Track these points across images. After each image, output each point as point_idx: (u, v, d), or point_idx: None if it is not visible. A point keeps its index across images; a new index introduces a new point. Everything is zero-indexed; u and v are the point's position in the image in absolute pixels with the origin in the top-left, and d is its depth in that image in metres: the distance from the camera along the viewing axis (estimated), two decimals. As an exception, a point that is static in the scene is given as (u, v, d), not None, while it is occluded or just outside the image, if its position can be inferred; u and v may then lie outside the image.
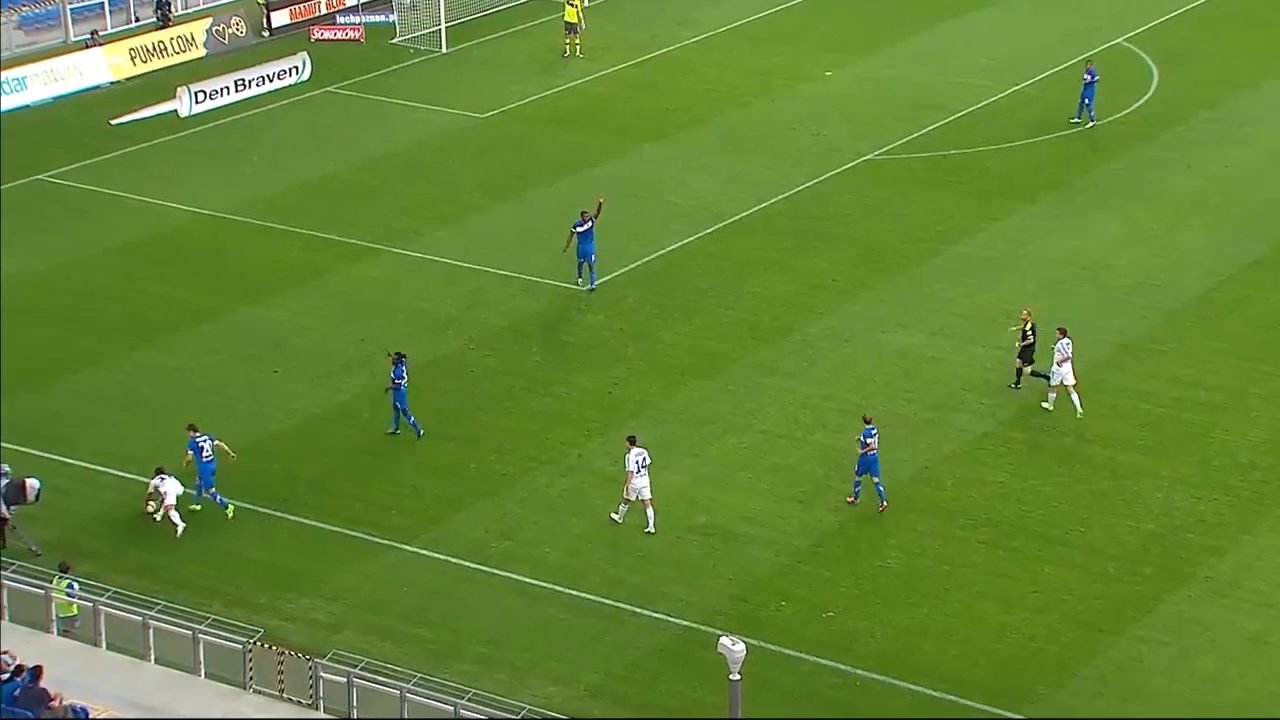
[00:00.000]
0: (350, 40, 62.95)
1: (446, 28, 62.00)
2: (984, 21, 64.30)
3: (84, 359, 41.76)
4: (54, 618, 31.03)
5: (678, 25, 63.86)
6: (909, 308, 43.81)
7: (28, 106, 57.15)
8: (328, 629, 32.39)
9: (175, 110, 56.08)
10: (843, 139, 54.03)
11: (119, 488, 36.20)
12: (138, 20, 63.43)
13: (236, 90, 57.26)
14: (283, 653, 29.67)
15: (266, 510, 35.89)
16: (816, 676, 31.41)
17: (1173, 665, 31.69)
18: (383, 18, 63.78)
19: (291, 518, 35.72)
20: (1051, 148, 53.40)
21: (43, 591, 31.02)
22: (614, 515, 35.40)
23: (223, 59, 60.74)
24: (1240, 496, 36.40)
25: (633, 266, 46.06)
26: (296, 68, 59.03)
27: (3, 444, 37.05)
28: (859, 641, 32.21)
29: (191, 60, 60.84)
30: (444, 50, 61.66)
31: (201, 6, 64.52)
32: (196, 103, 56.31)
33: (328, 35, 63.00)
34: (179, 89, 56.49)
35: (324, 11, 64.65)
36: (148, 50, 60.43)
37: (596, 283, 44.74)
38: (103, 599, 30.66)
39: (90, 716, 27.63)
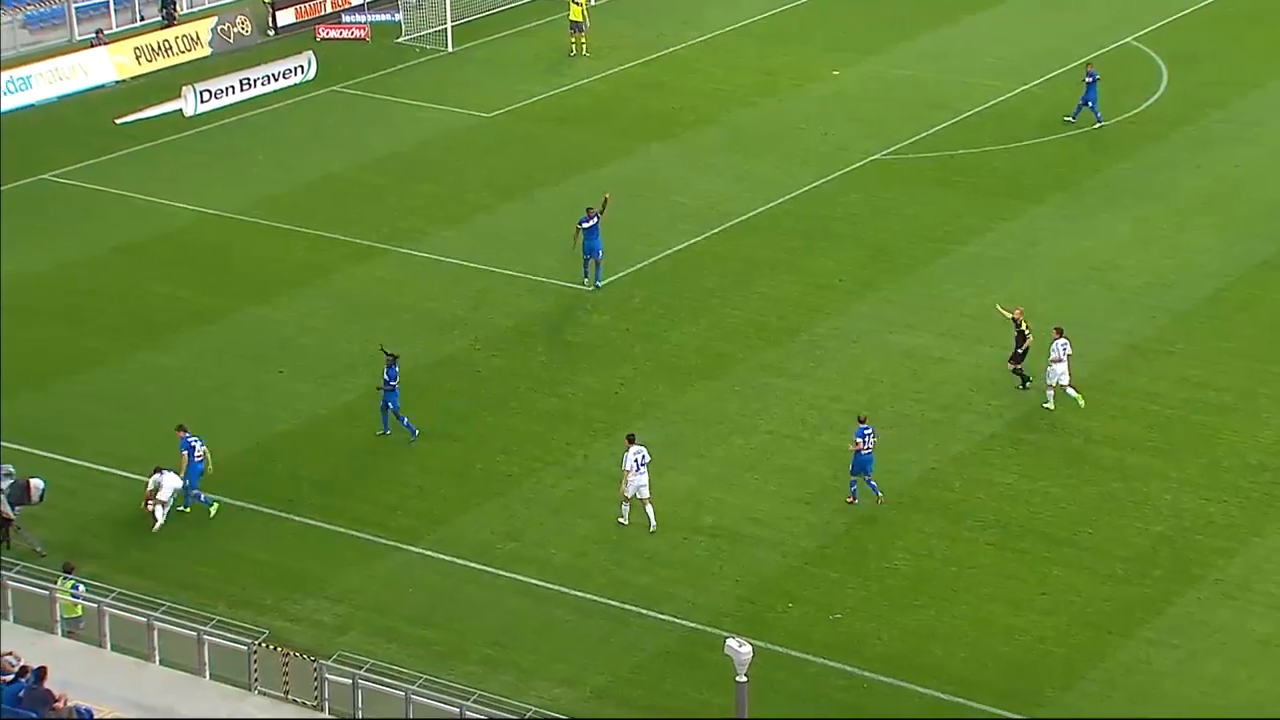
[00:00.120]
0: (356, 39, 62.88)
1: (452, 27, 61.91)
2: (992, 21, 64.16)
3: (88, 359, 41.69)
4: (58, 619, 31.01)
5: (684, 24, 63.75)
6: (917, 308, 43.69)
7: (32, 105, 57.08)
8: (333, 630, 32.32)
9: (180, 109, 55.98)
10: (850, 139, 53.91)
11: (123, 488, 36.12)
12: (143, 19, 63.39)
13: (242, 89, 57.16)
14: (288, 654, 29.62)
15: (271, 511, 35.81)
16: (823, 678, 31.33)
17: (1182, 668, 31.59)
18: (388, 17, 63.71)
19: (296, 518, 35.64)
20: (1060, 148, 53.26)
21: (47, 592, 30.99)
22: (620, 519, 35.26)
23: (228, 58, 60.67)
24: (1250, 498, 36.27)
25: (639, 267, 45.96)
26: (302, 67, 58.94)
27: (8, 444, 37.03)
28: (866, 643, 32.11)
29: (196, 59, 60.76)
30: (449, 49, 61.59)
31: (206, 5, 64.43)
32: (202, 102, 56.22)
33: (333, 34, 62.93)
34: (184, 88, 56.40)
35: (329, 10, 64.57)
36: (153, 49, 60.35)
37: (603, 281, 44.63)
38: (107, 600, 30.63)
39: (94, 718, 27.57)
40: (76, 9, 61.98)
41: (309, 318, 43.68)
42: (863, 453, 35.43)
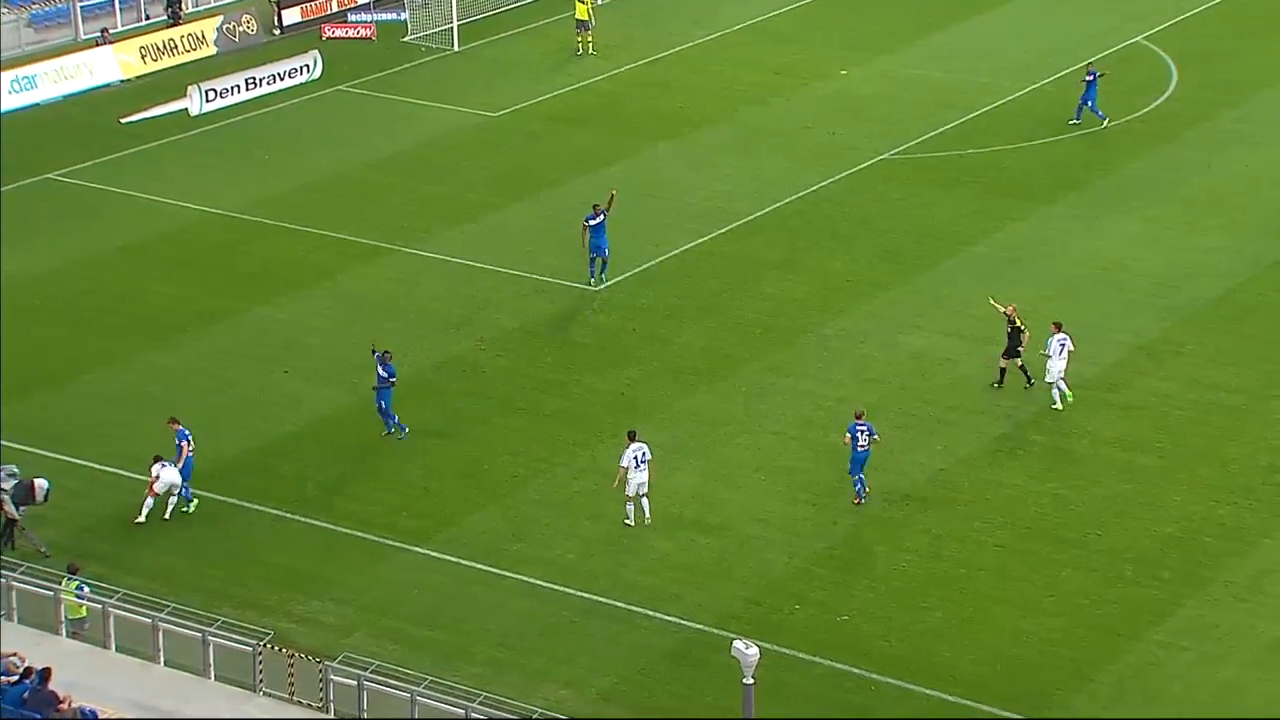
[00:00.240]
0: (361, 38, 62.80)
1: (458, 25, 61.82)
2: (1001, 20, 64.00)
3: (92, 359, 41.62)
4: (63, 619, 31.00)
5: (691, 23, 63.62)
6: (925, 309, 43.54)
7: (37, 105, 57.01)
8: (338, 631, 32.24)
9: (186, 109, 55.91)
10: (858, 138, 53.76)
11: (128, 489, 36.01)
12: (148, 18, 63.33)
13: (247, 89, 57.07)
14: (293, 655, 29.59)
15: (276, 512, 35.73)
16: (831, 680, 31.21)
17: (1191, 671, 31.44)
18: (394, 16, 63.64)
19: (302, 519, 35.55)
20: (1070, 147, 53.10)
21: (52, 593, 30.96)
22: (626, 520, 35.14)
23: (233, 57, 60.59)
24: (1260, 500, 36.11)
25: (646, 267, 45.84)
26: (307, 66, 58.85)
27: (14, 445, 36.99)
28: (874, 645, 31.99)
29: (202, 58, 60.66)
30: (455, 48, 61.49)
31: (212, 4, 64.36)
32: (207, 101, 56.13)
33: (339, 33, 62.85)
34: (189, 87, 56.32)
35: (335, 9, 64.49)
36: (158, 48, 60.27)
37: (609, 280, 44.50)
38: (112, 601, 30.59)
39: (99, 719, 27.42)
40: (82, 8, 61.91)
41: (314, 318, 43.59)
42: (860, 450, 35.33)
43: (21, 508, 34.35)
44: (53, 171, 52.12)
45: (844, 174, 51.40)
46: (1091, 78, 53.60)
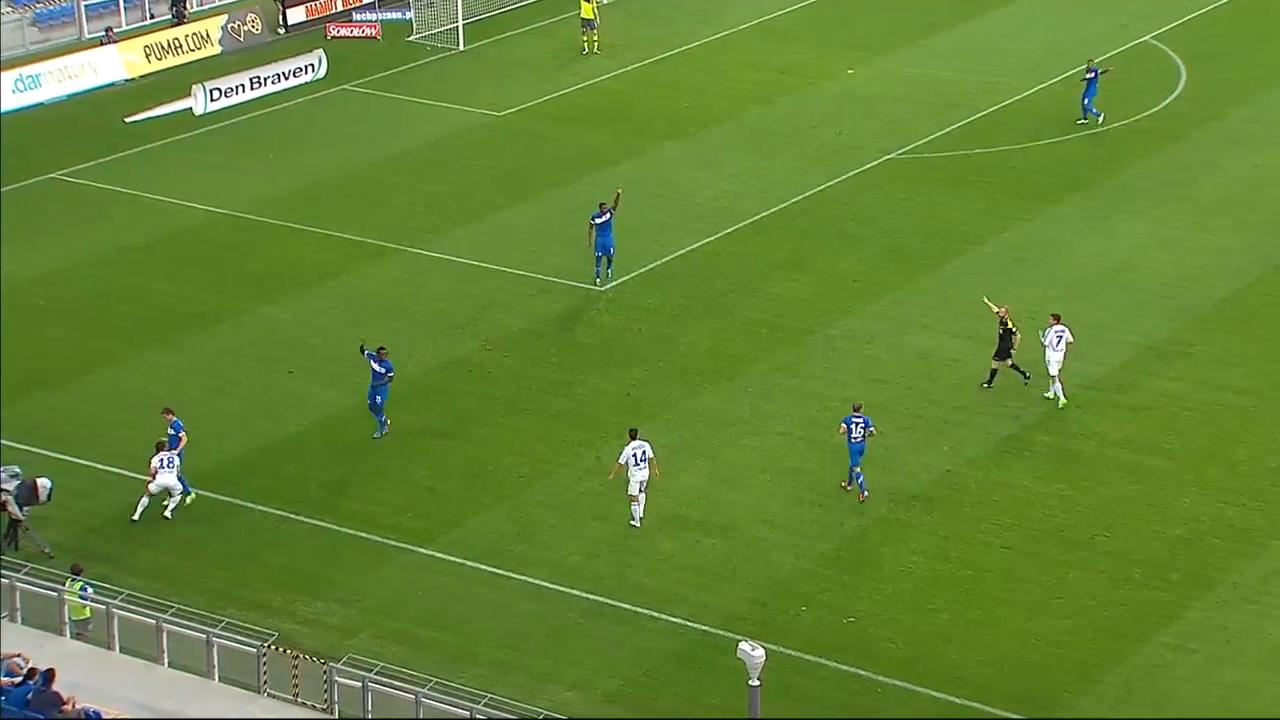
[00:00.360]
0: (366, 37, 62.74)
1: (463, 25, 61.77)
2: (1008, 19, 63.89)
3: (96, 359, 41.55)
4: (67, 620, 30.93)
5: (697, 22, 63.54)
6: (932, 309, 43.42)
7: (41, 104, 56.96)
8: (343, 632, 32.15)
9: (190, 108, 55.84)
10: (865, 137, 53.64)
11: (132, 489, 35.90)
12: (152, 17, 63.31)
13: (252, 88, 57.00)
14: (297, 656, 29.56)
15: (281, 512, 35.65)
16: (837, 682, 31.11)
17: (1199, 673, 31.32)
18: (399, 15, 63.57)
19: (306, 520, 35.47)
20: (1077, 147, 52.97)
21: (55, 594, 30.88)
22: (632, 521, 35.02)
23: (238, 56, 60.55)
24: (1269, 501, 35.98)
25: (651, 267, 45.73)
26: (312, 65, 58.78)
27: (18, 445, 36.98)
28: (880, 647, 31.89)
29: (206, 58, 60.62)
30: (461, 47, 61.42)
31: (216, 3, 64.34)
32: (211, 100, 56.06)
33: (344, 32, 62.80)
34: (194, 86, 56.25)
35: (340, 9, 64.45)
36: (162, 47, 60.22)
37: (613, 278, 44.39)
38: (116, 602, 30.52)
39: None
40: (86, 7, 61.90)
41: (318, 318, 43.50)
42: (855, 441, 35.31)
43: (25, 508, 34.27)
44: (57, 171, 52.07)
45: (850, 174, 51.28)
46: (1092, 74, 53.44)
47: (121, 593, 30.86)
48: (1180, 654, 31.69)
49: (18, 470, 34.49)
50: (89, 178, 51.76)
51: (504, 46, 62.12)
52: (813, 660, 31.48)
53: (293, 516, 35.54)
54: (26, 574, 31.22)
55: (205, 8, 64.03)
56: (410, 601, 33.13)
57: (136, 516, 34.94)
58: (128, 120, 55.44)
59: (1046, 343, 38.62)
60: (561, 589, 33.34)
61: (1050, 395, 38.86)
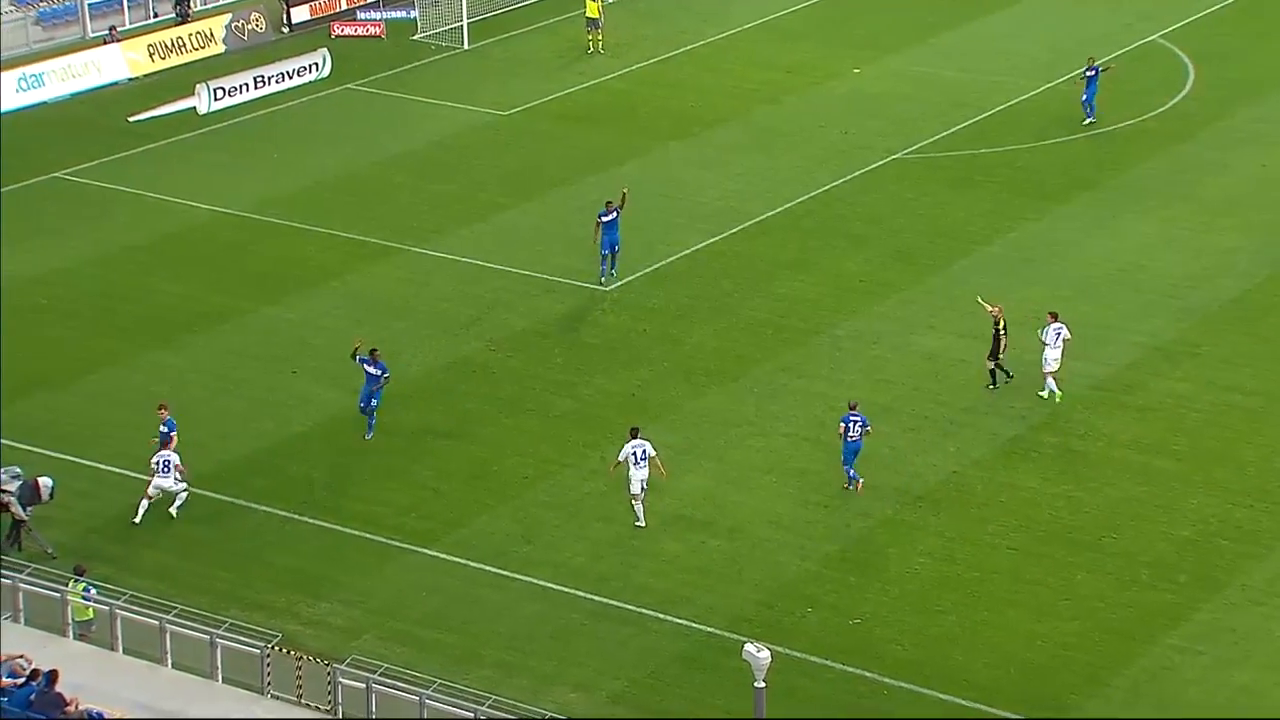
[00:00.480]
0: (371, 36, 62.67)
1: (468, 23, 61.70)
2: (1015, 18, 63.77)
3: (99, 359, 41.46)
4: (69, 622, 30.85)
5: (702, 21, 63.45)
6: (938, 309, 43.29)
7: (45, 103, 56.88)
8: (347, 634, 32.06)
9: (194, 107, 55.76)
10: (871, 137, 53.53)
11: (135, 490, 35.79)
12: (156, 16, 63.27)
13: (256, 87, 56.90)
14: (301, 657, 29.49)
15: (285, 513, 35.56)
16: (843, 684, 31.00)
17: (1208, 675, 31.20)
18: (404, 14, 63.51)
19: (310, 520, 35.38)
20: (1084, 146, 52.85)
21: (58, 595, 30.80)
22: (638, 523, 34.91)
23: (242, 55, 60.48)
24: (1277, 502, 35.87)
25: (657, 267, 45.62)
26: (316, 64, 58.70)
27: (20, 445, 36.93)
28: (887, 649, 31.77)
29: (210, 56, 60.55)
30: (465, 46, 61.34)
31: (221, 2, 64.25)
32: (215, 100, 55.98)
33: (348, 31, 62.73)
34: (198, 86, 56.18)
35: (344, 7, 64.38)
36: (166, 46, 60.15)
37: (618, 276, 44.30)
38: (119, 602, 30.44)
39: (105, 722, 27.34)
40: (89, 6, 61.84)
41: (322, 318, 43.40)
42: (850, 440, 35.26)
43: (28, 508, 34.18)
44: (60, 170, 52.00)
45: (857, 173, 51.16)
46: (1093, 72, 53.28)
47: (124, 593, 30.76)
48: (1188, 656, 31.57)
49: (18, 471, 34.41)
50: (92, 177, 51.69)
51: (509, 45, 62.03)
52: (819, 662, 31.38)
53: (296, 517, 35.45)
54: (29, 575, 31.13)
55: (209, 6, 63.96)
56: (414, 603, 33.02)
57: (138, 519, 34.84)
58: (131, 119, 55.36)
59: (1045, 340, 38.53)
60: (566, 590, 33.23)
61: (1045, 394, 38.75)
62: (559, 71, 59.38)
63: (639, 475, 34.54)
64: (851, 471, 35.74)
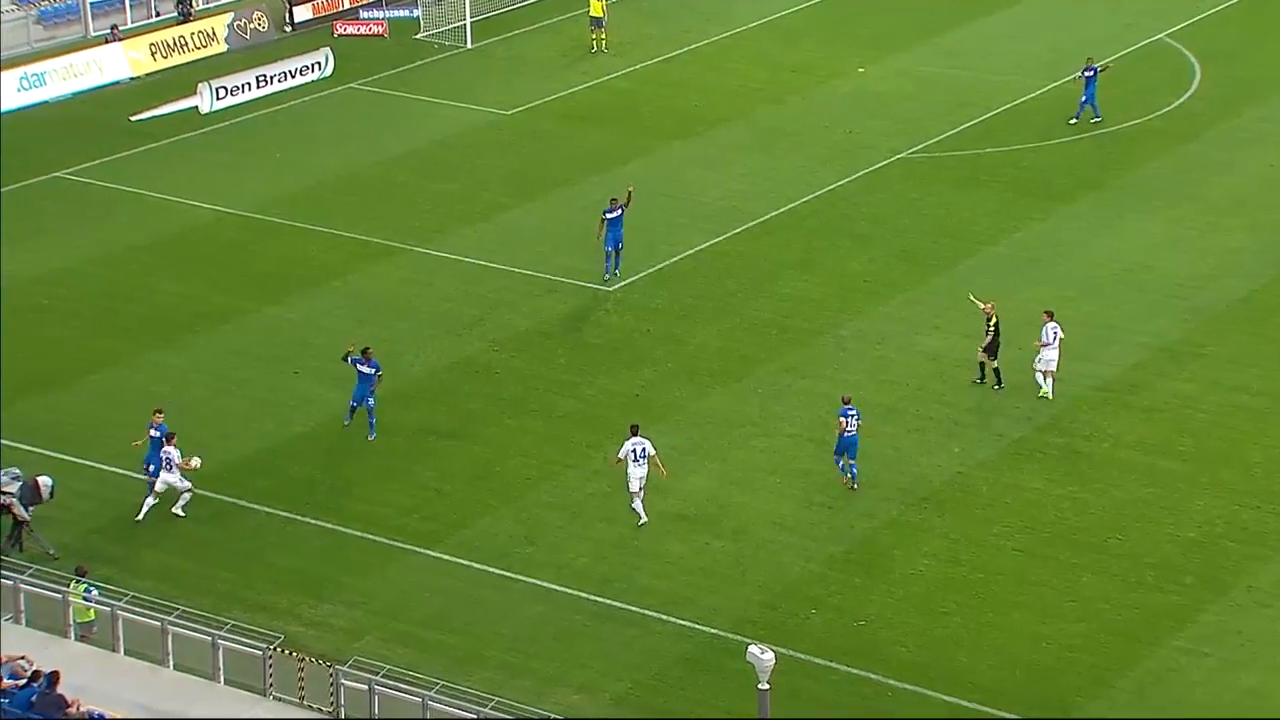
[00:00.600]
0: (374, 35, 62.62)
1: (471, 23, 61.65)
2: (1020, 18, 63.70)
3: (101, 359, 41.40)
4: (71, 623, 30.81)
5: (706, 20, 63.38)
6: (943, 309, 43.17)
7: (46, 102, 56.82)
8: (349, 635, 31.98)
9: (196, 106, 55.70)
10: (876, 137, 53.42)
11: (137, 490, 35.73)
12: (158, 15, 63.25)
13: (258, 86, 56.83)
14: (303, 659, 29.42)
15: (287, 514, 35.48)
16: (847, 686, 30.91)
17: (1213, 677, 31.09)
18: (407, 13, 63.48)
19: (312, 521, 35.30)
20: (1089, 146, 52.74)
21: (60, 596, 30.76)
22: (641, 522, 34.81)
23: (244, 54, 60.43)
24: (1283, 504, 35.76)
25: (660, 267, 45.53)
26: (319, 63, 58.63)
27: (22, 445, 36.88)
28: (891, 651, 31.68)
29: (213, 56, 60.50)
30: (468, 46, 61.29)
31: (223, 1, 64.17)
32: (218, 99, 55.90)
33: (351, 30, 62.68)
34: (200, 85, 56.11)
35: (347, 6, 64.33)
36: (168, 45, 60.09)
37: (621, 274, 44.24)
38: (121, 604, 30.38)
39: (106, 723, 27.28)
40: (91, 5, 61.81)
41: (325, 318, 43.32)
42: (846, 434, 35.23)
43: (30, 508, 34.10)
44: (61, 170, 51.95)
45: (861, 173, 51.06)
46: (1091, 72, 53.14)
47: (126, 595, 30.70)
48: (1194, 658, 31.45)
49: (18, 472, 34.34)
50: (94, 176, 51.62)
51: (512, 44, 61.96)
52: (823, 664, 31.28)
53: (298, 518, 35.36)
54: (31, 575, 31.09)
55: (211, 5, 63.92)
56: (416, 604, 32.93)
57: (141, 517, 34.76)
58: (133, 119, 55.30)
59: (1045, 341, 38.39)
60: (569, 591, 33.13)
61: (1044, 394, 38.62)
62: (562, 71, 59.30)
63: (638, 473, 34.47)
64: (841, 464, 35.65)
